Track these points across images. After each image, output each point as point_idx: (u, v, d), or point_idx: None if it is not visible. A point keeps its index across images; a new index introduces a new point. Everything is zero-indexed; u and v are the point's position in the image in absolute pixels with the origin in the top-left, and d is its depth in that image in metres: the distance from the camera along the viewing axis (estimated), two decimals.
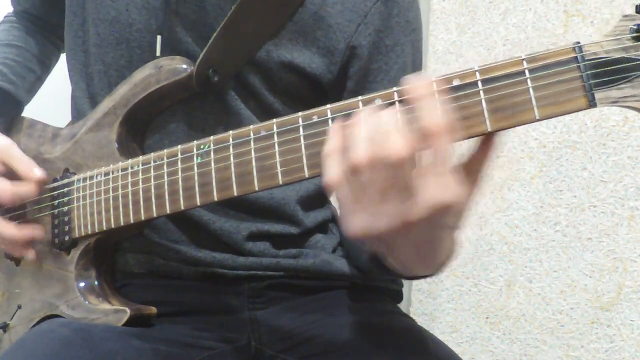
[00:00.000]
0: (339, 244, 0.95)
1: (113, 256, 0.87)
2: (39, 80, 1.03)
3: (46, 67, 1.05)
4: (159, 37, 0.84)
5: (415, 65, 0.91)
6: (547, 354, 1.38)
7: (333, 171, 0.57)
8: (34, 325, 0.85)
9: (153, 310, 0.81)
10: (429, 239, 0.59)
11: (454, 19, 1.56)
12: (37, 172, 0.85)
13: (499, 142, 0.59)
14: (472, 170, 0.59)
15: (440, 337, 1.40)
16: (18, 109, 0.99)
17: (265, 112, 0.87)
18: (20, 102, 0.98)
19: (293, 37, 0.84)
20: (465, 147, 0.61)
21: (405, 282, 1.61)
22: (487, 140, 0.59)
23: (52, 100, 1.12)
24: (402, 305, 1.58)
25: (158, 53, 0.84)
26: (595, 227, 1.33)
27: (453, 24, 1.56)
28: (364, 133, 0.56)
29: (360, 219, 0.58)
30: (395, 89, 0.60)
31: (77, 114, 0.91)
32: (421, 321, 1.58)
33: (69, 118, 0.96)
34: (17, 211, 0.90)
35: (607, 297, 1.31)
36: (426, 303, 1.59)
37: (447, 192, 0.54)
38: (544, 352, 1.39)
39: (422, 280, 1.59)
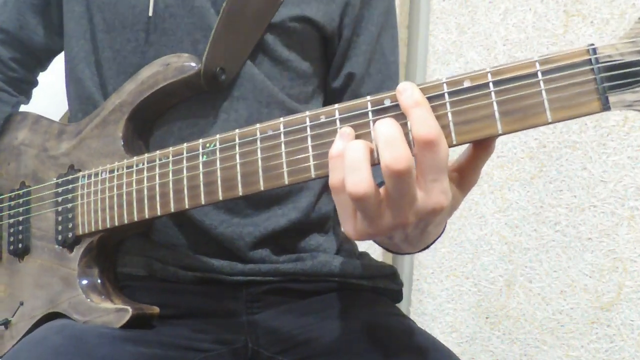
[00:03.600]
0: (340, 245, 0.95)
1: (116, 255, 0.87)
2: None
3: None
4: None
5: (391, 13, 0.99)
6: (547, 354, 1.39)
7: (335, 175, 0.57)
8: (36, 323, 0.85)
9: (155, 310, 0.80)
10: (421, 232, 0.61)
11: (454, 19, 1.56)
12: None
13: (494, 145, 0.59)
14: (467, 172, 0.61)
15: (440, 337, 1.40)
16: None
17: (281, 71, 0.89)
18: None
19: None
20: (460, 149, 0.61)
21: (405, 282, 1.61)
22: (482, 142, 0.58)
23: (50, 99, 1.11)
24: (402, 305, 1.58)
25: (150, 13, 0.84)
26: (595, 227, 1.33)
27: (453, 24, 1.56)
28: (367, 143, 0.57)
29: (358, 224, 0.59)
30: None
31: (86, 101, 0.90)
32: (421, 321, 1.58)
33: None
34: (20, 207, 0.89)
35: (607, 297, 1.31)
36: (426, 303, 1.59)
37: (444, 196, 0.56)
38: (544, 352, 1.39)
39: (422, 280, 1.59)
